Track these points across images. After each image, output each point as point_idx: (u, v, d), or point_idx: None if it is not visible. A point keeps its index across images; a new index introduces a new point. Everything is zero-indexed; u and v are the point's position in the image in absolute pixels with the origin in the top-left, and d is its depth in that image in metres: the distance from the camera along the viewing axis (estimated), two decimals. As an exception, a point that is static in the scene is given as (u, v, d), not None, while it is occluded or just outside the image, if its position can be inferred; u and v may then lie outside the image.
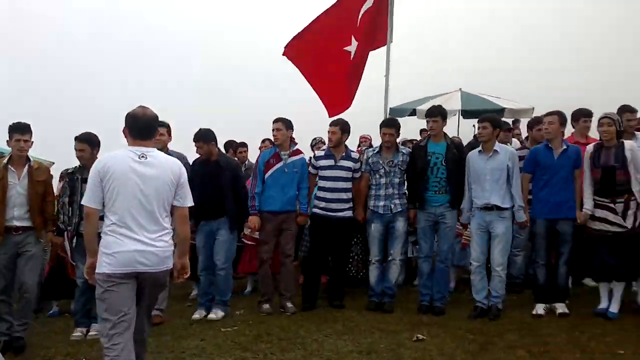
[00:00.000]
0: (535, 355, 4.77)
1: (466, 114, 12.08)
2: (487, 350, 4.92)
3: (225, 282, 6.19)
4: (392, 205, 6.28)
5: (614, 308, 5.69)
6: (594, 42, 18.75)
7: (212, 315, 6.12)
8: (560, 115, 5.95)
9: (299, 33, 7.94)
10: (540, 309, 5.86)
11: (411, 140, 8.19)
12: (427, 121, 6.29)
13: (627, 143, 5.65)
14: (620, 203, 5.55)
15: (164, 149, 6.09)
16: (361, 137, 9.40)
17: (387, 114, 11.26)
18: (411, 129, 10.33)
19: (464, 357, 4.76)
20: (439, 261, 6.24)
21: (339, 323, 5.83)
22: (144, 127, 3.70)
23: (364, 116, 8.71)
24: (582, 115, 6.68)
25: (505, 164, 5.85)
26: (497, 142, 6.00)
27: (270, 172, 6.35)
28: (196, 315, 6.20)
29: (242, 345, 5.22)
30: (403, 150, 6.41)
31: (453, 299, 6.60)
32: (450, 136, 7.87)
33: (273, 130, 6.43)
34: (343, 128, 6.48)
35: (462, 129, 12.49)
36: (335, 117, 6.72)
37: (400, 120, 12.03)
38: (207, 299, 6.28)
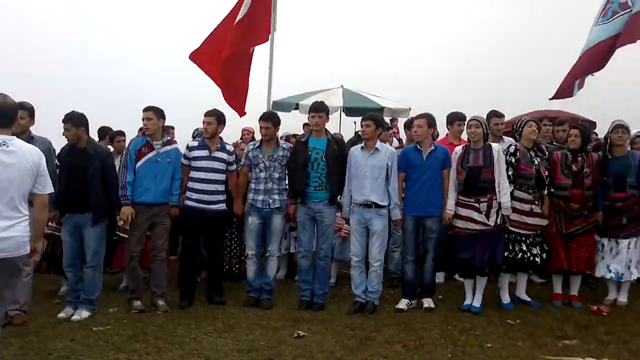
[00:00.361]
0: (410, 350, 4.91)
1: (348, 111, 12.31)
2: (366, 345, 5.01)
3: (92, 280, 5.79)
4: (271, 200, 6.23)
5: (477, 303, 6.04)
6: (471, 48, 19.85)
7: (75, 316, 5.69)
8: (428, 117, 6.20)
9: (205, 40, 8.34)
10: (402, 303, 6.09)
11: (294, 135, 8.18)
12: (312, 116, 6.26)
13: (495, 145, 6.01)
14: (484, 202, 5.88)
15: (24, 133, 5.59)
16: (244, 130, 9.28)
17: (270, 107, 11.25)
18: (293, 124, 10.32)
19: (342, 353, 4.81)
20: (318, 258, 6.27)
21: (219, 320, 5.69)
22: (3, 116, 3.75)
23: (249, 108, 8.63)
24: (456, 119, 7.00)
25: (385, 162, 5.99)
26: (378, 141, 6.12)
27: (141, 161, 6.02)
28: (62, 314, 5.76)
29: (115, 345, 4.94)
30: (284, 145, 6.36)
31: (334, 294, 6.68)
32: (332, 132, 8.03)
33: (143, 119, 6.10)
34: (219, 119, 6.29)
35: (344, 126, 12.75)
36: (211, 108, 6.44)
37: (284, 114, 12.22)
38: (74, 296, 5.86)
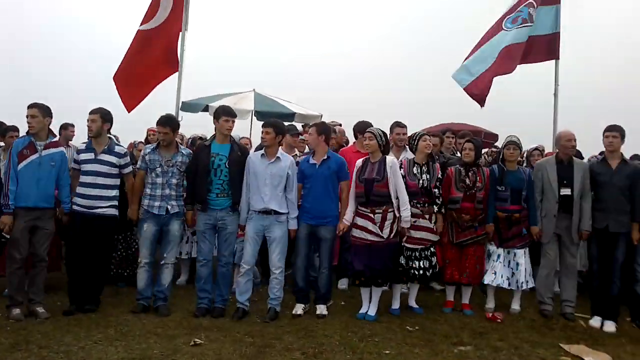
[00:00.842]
0: (309, 357, 4.87)
1: (259, 115, 12.18)
2: (265, 353, 4.92)
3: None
4: (169, 207, 6.00)
5: (372, 312, 6.10)
6: (374, 57, 20.30)
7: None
8: (317, 127, 6.25)
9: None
10: (298, 309, 6.09)
11: (200, 137, 7.99)
12: (225, 120, 6.05)
13: (389, 159, 6.03)
14: (378, 214, 5.94)
15: None
16: (149, 130, 8.95)
17: (179, 108, 10.98)
18: (201, 125, 10.10)
19: (241, 362, 4.70)
20: (220, 265, 6.11)
21: (111, 328, 5.42)
22: None
23: (158, 109, 8.37)
24: (364, 130, 7.04)
25: (285, 171, 5.94)
26: (280, 149, 6.07)
27: (23, 164, 5.64)
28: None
29: (-7, 355, 4.58)
30: (183, 151, 6.15)
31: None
32: (242, 136, 7.91)
33: (27, 116, 5.73)
34: (104, 117, 5.95)
35: (255, 130, 12.61)
36: (96, 106, 6.11)
37: (192, 115, 11.96)
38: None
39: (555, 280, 7.02)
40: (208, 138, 6.34)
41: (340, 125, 8.56)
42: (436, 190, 6.27)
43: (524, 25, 8.64)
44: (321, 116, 12.45)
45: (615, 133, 6.35)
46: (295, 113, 12.10)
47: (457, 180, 6.42)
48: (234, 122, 6.10)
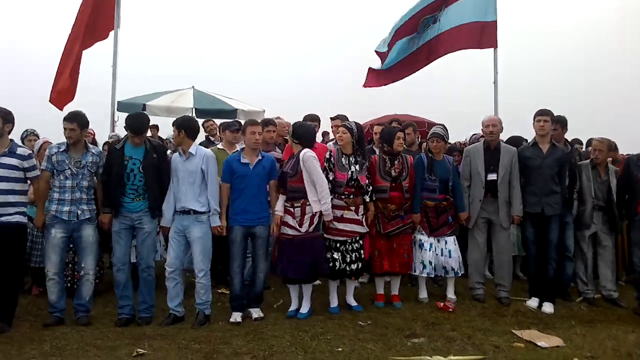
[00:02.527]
0: (260, 360, 4.73)
1: (199, 112, 11.94)
2: (212, 359, 4.73)
3: None
4: (79, 212, 5.65)
5: (304, 309, 5.98)
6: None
7: None
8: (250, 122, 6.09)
9: None
10: (238, 316, 5.81)
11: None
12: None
13: (303, 154, 5.86)
14: (297, 207, 5.82)
15: None
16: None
17: (116, 108, 10.65)
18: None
19: (187, 370, 4.49)
20: (140, 269, 5.82)
21: (46, 343, 5.09)
22: None
23: (93, 108, 8.06)
24: (309, 121, 6.95)
25: (199, 167, 5.71)
26: (196, 145, 5.87)
27: None
28: None
29: None
30: (93, 150, 5.80)
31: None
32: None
33: None
34: (4, 117, 5.53)
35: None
36: None
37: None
38: None
39: (486, 265, 7.14)
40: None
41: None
42: (366, 179, 6.17)
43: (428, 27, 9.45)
44: (264, 112, 12.32)
45: (546, 117, 6.48)
46: (237, 109, 11.95)
47: (381, 170, 6.33)
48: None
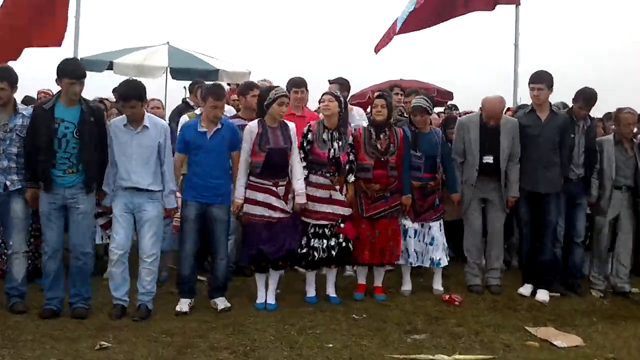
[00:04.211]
0: (239, 356, 4.77)
1: (175, 73, 11.87)
2: (185, 354, 4.77)
3: None
4: (8, 182, 5.55)
5: (272, 299, 6.02)
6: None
7: None
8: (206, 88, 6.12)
9: None
10: (184, 305, 5.80)
11: (101, 100, 7.67)
12: (70, 83, 5.41)
13: (291, 123, 5.89)
14: (282, 186, 5.85)
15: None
16: (40, 92, 8.59)
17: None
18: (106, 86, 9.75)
19: (156, 366, 4.54)
20: (73, 257, 5.68)
21: (-2, 333, 5.12)
22: None
23: (50, 65, 7.98)
24: (293, 86, 6.88)
25: (156, 140, 5.63)
26: (151, 115, 5.80)
27: None
28: None
29: None
30: (24, 112, 5.62)
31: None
32: (156, 98, 7.61)
33: None
34: None
35: (171, 90, 12.29)
36: None
37: (95, 75, 11.51)
38: None
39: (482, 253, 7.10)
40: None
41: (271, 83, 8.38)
42: (348, 156, 6.14)
43: None
44: (249, 73, 12.26)
45: (540, 85, 6.51)
46: (220, 70, 11.91)
47: (366, 145, 6.26)
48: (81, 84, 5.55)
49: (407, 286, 6.66)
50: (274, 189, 5.86)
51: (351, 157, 6.17)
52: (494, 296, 6.56)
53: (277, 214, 5.85)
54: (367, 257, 6.27)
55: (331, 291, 6.33)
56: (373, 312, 5.94)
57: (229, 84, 12.34)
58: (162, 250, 6.46)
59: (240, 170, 5.90)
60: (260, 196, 5.86)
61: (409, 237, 6.47)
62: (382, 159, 6.23)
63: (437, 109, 9.71)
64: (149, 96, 7.04)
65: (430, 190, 6.48)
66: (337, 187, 6.09)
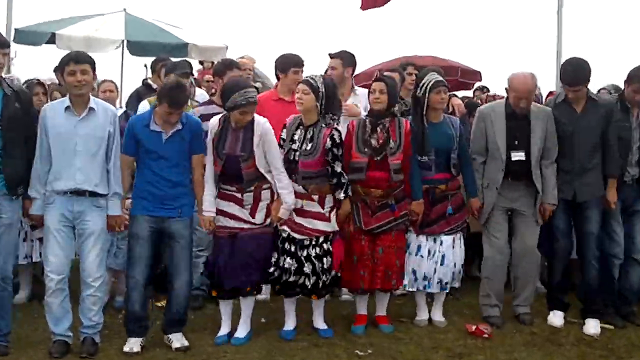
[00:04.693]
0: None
1: (134, 47, 11.81)
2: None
3: None
4: None
5: (242, 332, 5.93)
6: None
7: None
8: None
9: None
10: (135, 345, 5.68)
11: (39, 82, 7.54)
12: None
13: (258, 123, 5.73)
14: (249, 192, 5.74)
15: None
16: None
17: (12, 38, 10.51)
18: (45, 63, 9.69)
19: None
20: None
21: None
22: None
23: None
24: (292, 65, 6.80)
25: (106, 129, 5.51)
26: (95, 99, 5.70)
27: None
28: None
29: None
30: None
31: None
32: (107, 80, 7.51)
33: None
34: None
35: (128, 70, 12.27)
36: None
37: (33, 49, 11.46)
38: None
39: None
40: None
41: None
42: (335, 163, 5.92)
43: None
44: (226, 48, 12.22)
45: (577, 87, 6.29)
46: (189, 44, 11.95)
47: (359, 139, 6.11)
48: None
49: (422, 315, 6.53)
50: (238, 195, 5.77)
51: (337, 168, 5.94)
52: (531, 327, 6.45)
53: (238, 224, 5.77)
54: (368, 282, 6.12)
55: (320, 322, 6.20)
56: (381, 347, 5.86)
57: (201, 62, 12.35)
58: (116, 269, 6.59)
59: (208, 175, 5.81)
60: (223, 204, 5.82)
61: (409, 253, 6.31)
62: (377, 158, 6.08)
63: (461, 94, 9.66)
64: (99, 77, 6.95)
65: (442, 196, 6.32)
66: (315, 197, 5.93)
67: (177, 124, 5.64)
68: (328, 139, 5.88)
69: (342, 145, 5.99)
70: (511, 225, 6.62)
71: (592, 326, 6.36)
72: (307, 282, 5.93)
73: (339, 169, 5.93)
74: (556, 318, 6.55)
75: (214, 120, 5.84)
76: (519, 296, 6.65)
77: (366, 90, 6.61)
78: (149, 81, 8.04)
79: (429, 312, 6.57)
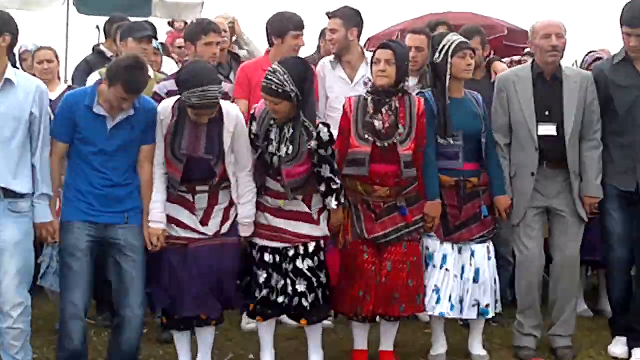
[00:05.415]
0: None
1: (82, 4, 11.89)
2: None
3: None
4: None
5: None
6: None
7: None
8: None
9: None
10: None
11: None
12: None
13: (228, 114, 5.67)
14: (203, 194, 5.71)
15: None
16: None
17: None
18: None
19: None
20: None
21: None
22: None
23: None
24: (292, 27, 6.88)
25: (26, 109, 5.44)
26: (17, 70, 5.79)
27: None
28: None
29: None
30: None
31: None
32: (44, 47, 7.67)
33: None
34: None
35: (76, 32, 12.30)
36: None
37: None
38: None
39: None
40: None
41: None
42: (322, 166, 5.82)
43: None
44: (201, 5, 12.30)
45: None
46: (155, 0, 12.14)
47: (358, 122, 6.11)
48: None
49: (439, 348, 6.34)
50: (189, 197, 5.73)
51: (325, 172, 5.88)
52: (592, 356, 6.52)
53: (187, 234, 5.71)
54: (371, 307, 5.97)
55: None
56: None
57: (170, 23, 12.41)
58: (52, 290, 6.45)
59: (156, 175, 5.76)
60: (172, 208, 5.75)
61: (434, 267, 6.17)
62: (384, 145, 5.98)
63: (505, 59, 9.69)
64: (37, 42, 7.10)
65: (473, 192, 6.26)
66: (289, 196, 5.81)
67: (129, 111, 5.57)
68: (312, 142, 5.75)
69: (332, 143, 5.89)
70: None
71: None
72: (305, 302, 5.80)
73: (327, 173, 5.84)
74: (618, 347, 6.42)
75: (165, 107, 5.67)
76: (557, 322, 6.48)
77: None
78: (102, 47, 8.17)
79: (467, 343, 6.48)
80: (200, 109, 5.42)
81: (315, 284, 5.80)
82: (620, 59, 6.26)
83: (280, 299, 5.73)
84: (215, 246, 5.69)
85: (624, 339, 6.33)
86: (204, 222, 5.70)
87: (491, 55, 7.83)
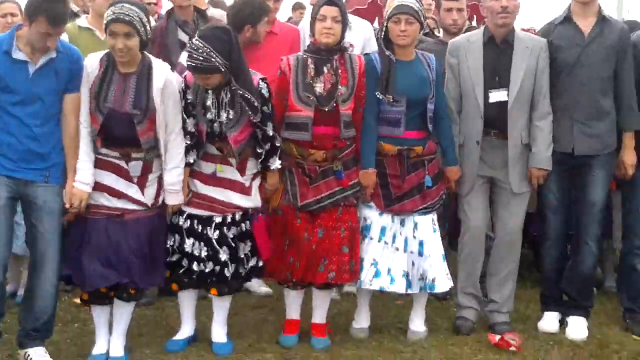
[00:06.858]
0: None
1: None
2: None
3: None
4: None
5: (117, 351, 5.84)
6: None
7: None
8: None
9: None
10: None
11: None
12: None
13: (158, 68, 5.67)
14: (137, 160, 5.62)
15: None
16: None
17: None
18: None
19: None
20: None
21: None
22: None
23: None
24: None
25: None
26: None
27: None
28: None
29: None
30: None
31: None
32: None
33: None
34: None
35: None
36: None
37: None
38: None
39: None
40: None
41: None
42: (267, 124, 5.84)
43: None
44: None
45: None
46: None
47: (298, 85, 5.99)
48: None
49: (362, 322, 6.47)
50: (122, 164, 5.61)
51: (269, 130, 5.85)
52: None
53: (122, 204, 5.62)
54: (300, 274, 6.02)
55: (219, 334, 6.14)
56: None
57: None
58: (17, 254, 6.58)
59: (83, 133, 5.60)
60: (101, 175, 5.64)
61: (371, 239, 6.19)
62: (324, 109, 5.94)
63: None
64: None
65: (418, 162, 6.20)
66: (232, 160, 5.86)
67: (51, 51, 5.47)
68: (258, 115, 5.75)
69: (272, 97, 5.90)
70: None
71: (576, 328, 6.44)
72: (227, 273, 5.84)
73: (271, 131, 5.84)
74: (547, 322, 6.60)
75: (92, 60, 5.63)
76: (495, 299, 6.59)
77: (364, 22, 6.61)
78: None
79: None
80: (111, 24, 5.37)
81: (242, 254, 5.93)
82: (562, 19, 6.26)
83: (200, 268, 5.85)
84: (150, 217, 5.76)
85: (554, 313, 6.63)
86: (141, 187, 5.70)
87: (475, 21, 7.89)
